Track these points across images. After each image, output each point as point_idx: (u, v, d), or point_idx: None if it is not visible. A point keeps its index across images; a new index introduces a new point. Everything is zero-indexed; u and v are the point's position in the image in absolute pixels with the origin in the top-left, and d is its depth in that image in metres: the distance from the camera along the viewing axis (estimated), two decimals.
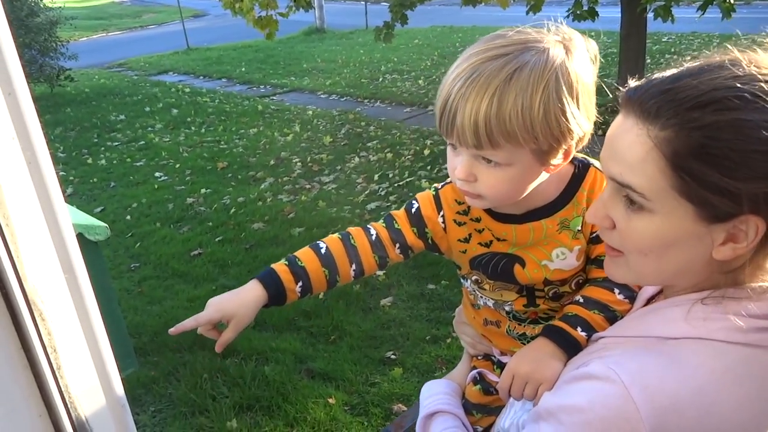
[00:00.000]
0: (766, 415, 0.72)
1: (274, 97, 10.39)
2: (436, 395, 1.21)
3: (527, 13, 5.92)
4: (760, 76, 0.67)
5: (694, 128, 0.67)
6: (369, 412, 2.99)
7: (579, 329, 0.94)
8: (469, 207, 1.01)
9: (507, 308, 1.07)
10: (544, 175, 0.91)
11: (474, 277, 1.07)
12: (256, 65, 13.19)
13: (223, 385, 3.21)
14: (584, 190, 0.97)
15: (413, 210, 1.04)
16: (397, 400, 3.06)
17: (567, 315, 0.98)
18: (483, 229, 1.01)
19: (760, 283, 0.74)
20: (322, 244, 1.03)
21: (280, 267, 0.99)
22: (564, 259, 0.98)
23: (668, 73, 0.73)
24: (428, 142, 6.99)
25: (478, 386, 1.20)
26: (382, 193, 5.71)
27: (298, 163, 6.71)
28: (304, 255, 1.01)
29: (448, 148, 0.92)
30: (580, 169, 0.98)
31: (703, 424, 0.70)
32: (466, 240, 1.02)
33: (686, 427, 0.69)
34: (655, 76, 0.73)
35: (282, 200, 5.74)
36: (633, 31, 6.71)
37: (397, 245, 1.04)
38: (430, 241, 1.05)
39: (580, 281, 1.03)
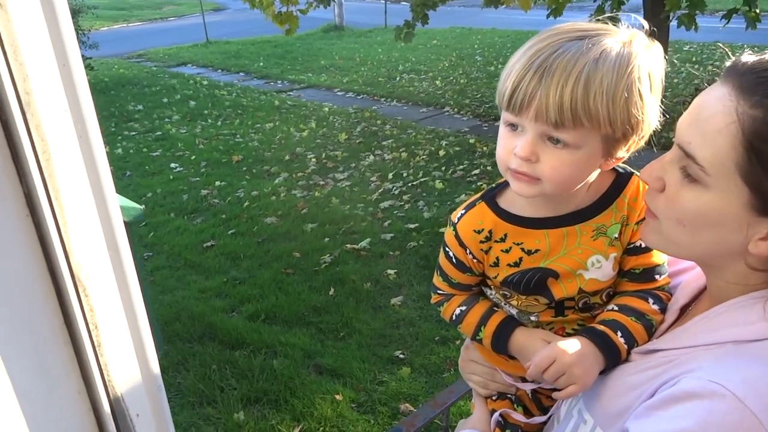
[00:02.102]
0: None
1: (291, 93, 10.43)
2: None
3: (548, 16, 5.88)
4: None
5: None
6: (376, 411, 2.99)
7: (619, 334, 0.92)
8: (491, 231, 0.96)
9: (533, 318, 1.02)
10: (596, 171, 0.90)
11: (502, 292, 1.03)
12: (274, 60, 13.24)
13: (231, 377, 3.22)
14: (625, 197, 0.94)
15: (454, 260, 1.03)
16: (405, 399, 3.05)
17: (605, 320, 0.95)
18: (510, 248, 0.96)
19: None
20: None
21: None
22: (599, 268, 0.94)
23: None
24: (443, 142, 6.97)
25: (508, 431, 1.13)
26: (396, 192, 5.70)
27: (313, 159, 6.73)
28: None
29: (504, 130, 0.87)
30: (623, 177, 0.95)
31: None
32: (496, 264, 0.98)
33: None
34: None
35: (295, 195, 5.75)
36: (655, 39, 6.65)
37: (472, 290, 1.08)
38: (481, 274, 1.03)
39: (611, 293, 0.99)
